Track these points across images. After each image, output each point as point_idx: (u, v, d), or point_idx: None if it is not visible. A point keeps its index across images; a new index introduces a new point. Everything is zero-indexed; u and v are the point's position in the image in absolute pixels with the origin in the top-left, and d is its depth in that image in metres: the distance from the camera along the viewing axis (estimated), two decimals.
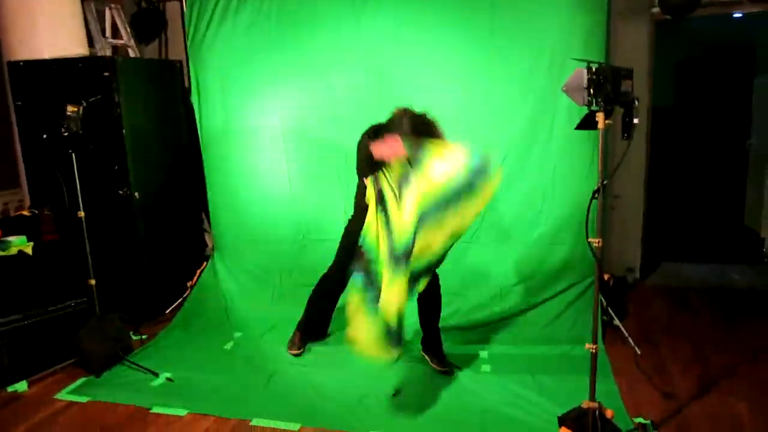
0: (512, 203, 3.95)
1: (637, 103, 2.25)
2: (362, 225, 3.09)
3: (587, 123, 2.38)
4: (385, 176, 2.72)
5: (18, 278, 3.64)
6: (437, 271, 3.27)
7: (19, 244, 3.69)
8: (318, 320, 3.70)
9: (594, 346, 2.34)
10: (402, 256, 2.56)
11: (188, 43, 4.41)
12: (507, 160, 3.89)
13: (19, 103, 4.27)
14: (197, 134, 4.51)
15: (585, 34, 3.68)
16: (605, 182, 2.31)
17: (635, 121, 2.24)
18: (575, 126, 2.41)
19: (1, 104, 4.84)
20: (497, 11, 3.79)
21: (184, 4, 4.41)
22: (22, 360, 3.45)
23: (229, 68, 4.30)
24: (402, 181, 2.64)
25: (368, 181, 2.85)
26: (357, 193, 3.33)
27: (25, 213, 4.11)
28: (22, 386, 3.39)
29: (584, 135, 3.75)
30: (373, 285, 2.65)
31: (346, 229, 3.43)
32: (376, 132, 2.96)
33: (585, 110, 2.35)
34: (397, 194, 2.64)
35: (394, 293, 2.56)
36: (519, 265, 3.97)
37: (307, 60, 4.14)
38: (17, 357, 3.43)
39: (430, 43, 3.95)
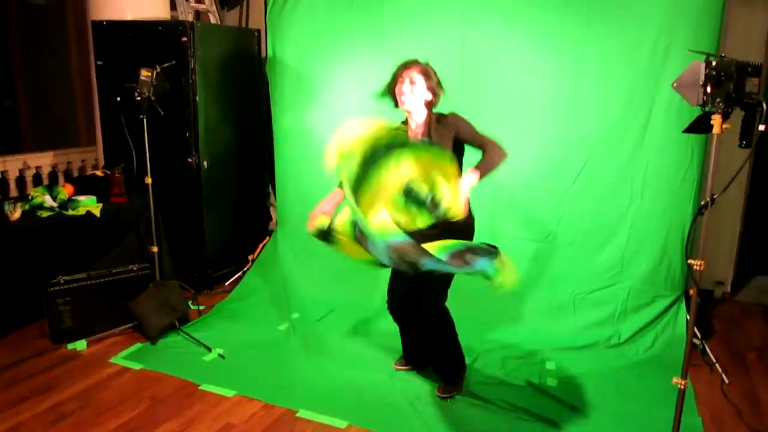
0: (594, 204, 3.61)
1: (765, 107, 1.90)
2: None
3: (699, 126, 2.06)
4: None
5: (84, 238, 3.70)
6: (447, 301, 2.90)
7: (87, 204, 3.74)
8: (408, 349, 3.25)
9: (683, 382, 2.05)
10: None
11: (267, 12, 4.28)
12: (592, 157, 3.56)
13: (100, 63, 4.30)
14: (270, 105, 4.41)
15: (696, 15, 3.27)
16: (715, 197, 1.99)
17: (761, 128, 1.90)
18: (684, 128, 2.09)
19: (86, 62, 4.92)
20: None
21: None
22: (83, 319, 3.49)
23: (306, 40, 4.13)
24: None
25: None
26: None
27: (98, 173, 4.17)
28: (81, 345, 3.44)
29: (683, 136, 3.37)
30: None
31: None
32: None
33: (690, 109, 2.03)
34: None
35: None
36: (596, 271, 3.64)
37: (386, 34, 3.91)
38: (79, 316, 3.48)
39: (517, 18, 3.61)
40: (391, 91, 2.78)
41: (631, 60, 3.41)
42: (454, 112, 2.75)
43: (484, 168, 2.59)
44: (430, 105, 2.75)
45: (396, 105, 2.78)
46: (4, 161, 4.64)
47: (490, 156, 2.62)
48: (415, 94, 2.69)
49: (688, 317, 3.49)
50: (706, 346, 3.45)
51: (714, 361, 3.35)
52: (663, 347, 3.43)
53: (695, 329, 3.52)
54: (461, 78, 3.67)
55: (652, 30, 3.35)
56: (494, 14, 3.65)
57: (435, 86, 2.73)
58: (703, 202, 2.00)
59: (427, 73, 2.73)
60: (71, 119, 5.79)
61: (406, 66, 2.74)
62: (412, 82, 2.69)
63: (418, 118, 2.76)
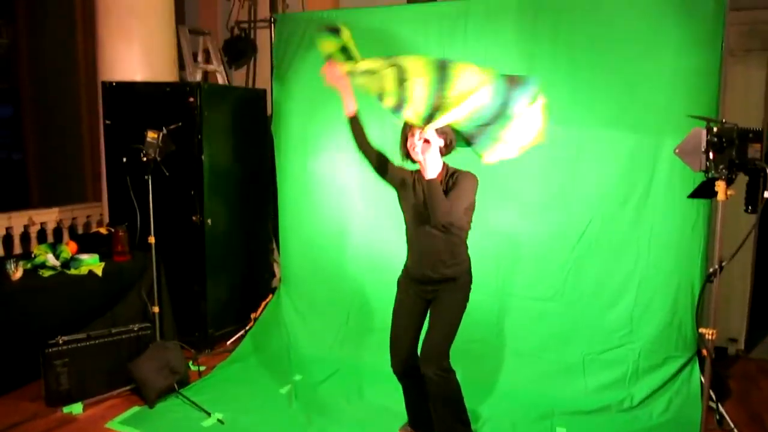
0: (601, 262, 3.56)
1: None
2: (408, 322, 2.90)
3: (704, 191, 2.04)
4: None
5: (86, 298, 3.66)
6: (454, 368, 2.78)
7: (90, 263, 3.71)
8: (414, 413, 3.10)
9: None
10: None
11: (274, 71, 4.36)
12: (596, 215, 3.54)
13: (108, 122, 4.36)
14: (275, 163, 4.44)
15: (693, 76, 3.30)
16: (723, 264, 1.95)
17: (766, 194, 1.88)
18: (689, 194, 2.07)
19: (95, 121, 5.01)
20: (593, 47, 3.47)
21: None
22: (81, 381, 3.43)
23: (311, 100, 4.18)
24: None
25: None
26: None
27: (102, 231, 4.16)
28: (77, 408, 3.36)
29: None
30: None
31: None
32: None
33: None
34: None
35: None
36: (606, 331, 3.56)
37: None
38: (77, 377, 3.41)
39: None
40: (403, 147, 2.74)
41: (628, 127, 3.42)
42: (472, 174, 2.70)
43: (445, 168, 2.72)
44: (445, 150, 2.70)
45: (411, 161, 2.73)
46: (9, 218, 4.65)
47: (444, 200, 2.62)
48: (430, 143, 2.60)
49: (703, 379, 3.39)
50: (723, 411, 3.32)
51: (732, 426, 3.22)
52: (677, 411, 3.30)
53: (710, 392, 3.41)
54: None
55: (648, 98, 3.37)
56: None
57: (447, 131, 2.65)
58: (711, 269, 1.95)
59: None
60: (79, 176, 5.86)
61: None
62: (422, 133, 2.61)
63: (432, 170, 2.60)
